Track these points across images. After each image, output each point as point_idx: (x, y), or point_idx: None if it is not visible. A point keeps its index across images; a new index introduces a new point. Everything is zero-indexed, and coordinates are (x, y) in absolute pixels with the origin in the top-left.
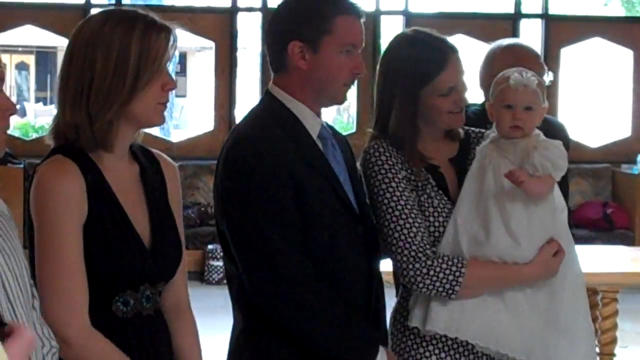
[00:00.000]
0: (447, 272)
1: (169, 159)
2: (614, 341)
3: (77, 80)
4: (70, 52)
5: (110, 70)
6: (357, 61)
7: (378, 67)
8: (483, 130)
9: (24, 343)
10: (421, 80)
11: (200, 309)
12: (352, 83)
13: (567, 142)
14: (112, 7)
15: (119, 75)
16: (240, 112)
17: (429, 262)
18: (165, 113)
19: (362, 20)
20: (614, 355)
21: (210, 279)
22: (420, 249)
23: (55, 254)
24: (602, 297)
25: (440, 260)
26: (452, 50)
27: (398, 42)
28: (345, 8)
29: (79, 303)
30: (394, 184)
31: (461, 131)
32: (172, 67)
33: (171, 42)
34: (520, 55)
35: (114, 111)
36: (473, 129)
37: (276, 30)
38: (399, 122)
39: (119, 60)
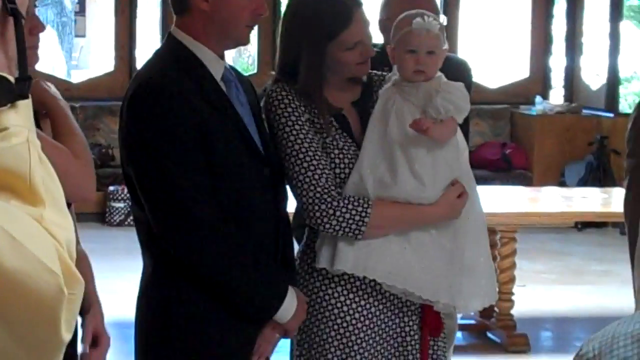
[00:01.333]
0: (353, 212)
1: None
2: (512, 280)
3: None
4: None
5: None
6: (259, 2)
7: (283, 15)
8: (385, 74)
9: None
10: (328, 36)
11: (101, 250)
12: (255, 24)
13: (470, 81)
14: None
15: None
16: (141, 53)
17: (334, 203)
18: (57, 53)
19: None
20: (512, 293)
21: (112, 220)
22: (326, 190)
23: None
24: (501, 237)
25: (346, 201)
26: (357, 4)
27: None
28: None
29: None
30: (297, 127)
31: (364, 76)
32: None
33: None
34: (412, 0)
35: None
36: (375, 72)
37: None
38: (306, 75)
39: None
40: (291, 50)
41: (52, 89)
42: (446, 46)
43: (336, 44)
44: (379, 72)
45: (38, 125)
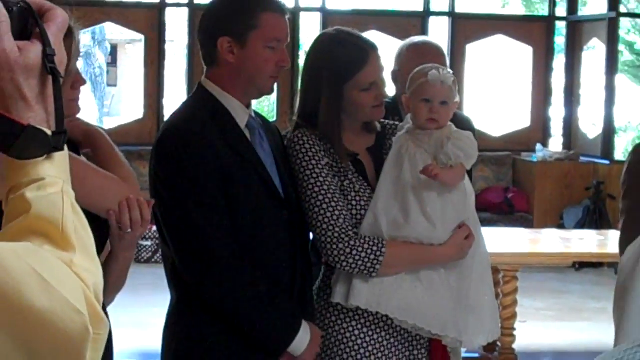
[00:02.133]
0: (369, 251)
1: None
2: (514, 316)
3: None
4: None
5: None
6: (283, 55)
7: (303, 63)
8: (397, 123)
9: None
10: (344, 76)
11: (130, 285)
12: (278, 75)
13: (474, 135)
14: None
15: None
16: (169, 102)
17: (351, 243)
18: (94, 101)
19: (287, 17)
20: (514, 329)
21: (140, 257)
22: (343, 230)
23: None
24: (504, 276)
25: (362, 241)
26: (372, 47)
27: (322, 41)
28: (270, 5)
29: None
30: (317, 170)
31: (378, 124)
32: (92, 59)
33: (75, 44)
34: (423, 52)
35: None
36: (388, 122)
37: (206, 27)
38: (326, 117)
39: None
40: (311, 93)
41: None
42: (457, 99)
43: (352, 84)
44: (392, 122)
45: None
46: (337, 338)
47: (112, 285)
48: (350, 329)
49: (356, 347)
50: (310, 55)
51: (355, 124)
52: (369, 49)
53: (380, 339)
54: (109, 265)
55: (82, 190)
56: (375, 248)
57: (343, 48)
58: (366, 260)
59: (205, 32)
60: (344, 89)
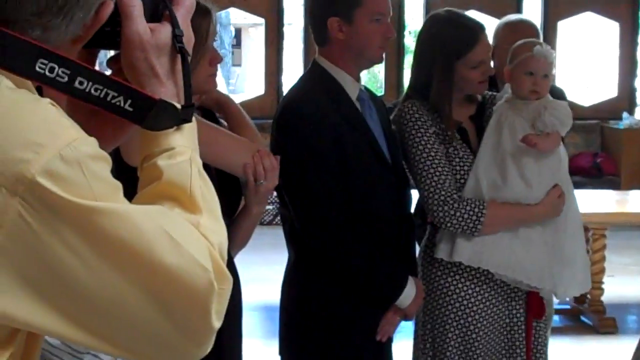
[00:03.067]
0: (471, 212)
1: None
2: (602, 271)
3: None
4: None
5: None
6: (388, 27)
7: (416, 41)
8: (495, 94)
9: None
10: (457, 55)
11: (252, 245)
12: (386, 45)
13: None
14: None
15: None
16: (287, 79)
17: (455, 205)
18: (220, 79)
19: None
20: (602, 283)
21: (262, 220)
22: (449, 194)
23: None
24: (593, 234)
25: (465, 203)
26: (481, 28)
27: (435, 21)
28: None
29: None
30: (425, 138)
31: (479, 95)
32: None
33: (213, 24)
34: (518, 29)
35: None
36: (487, 92)
37: (316, 10)
38: (438, 91)
39: None
40: (424, 68)
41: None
42: (554, 72)
43: (463, 62)
44: (490, 92)
45: (216, 121)
46: (442, 291)
47: (241, 240)
48: (455, 282)
49: (460, 299)
50: (423, 33)
51: (460, 96)
52: (479, 30)
53: (481, 292)
54: (242, 219)
55: (217, 150)
56: (476, 209)
57: (455, 28)
58: (469, 221)
59: (315, 15)
60: (455, 66)
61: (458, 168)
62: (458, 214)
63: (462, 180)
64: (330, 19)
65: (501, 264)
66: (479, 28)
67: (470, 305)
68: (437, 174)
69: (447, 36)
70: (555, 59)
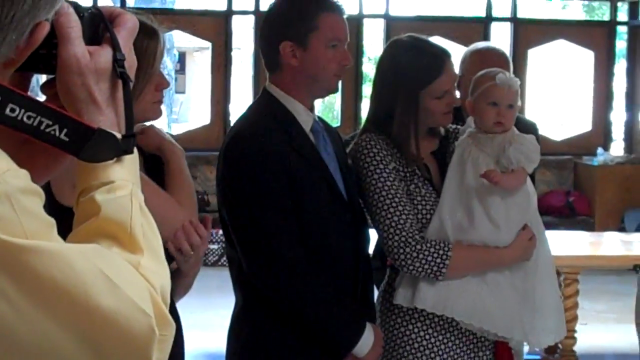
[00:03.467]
0: (435, 255)
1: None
2: (574, 319)
3: None
4: None
5: None
6: (344, 54)
7: (376, 68)
8: (460, 127)
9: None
10: (421, 84)
11: (196, 288)
12: (342, 73)
13: (538, 139)
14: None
15: None
16: (235, 108)
17: (418, 247)
18: (163, 107)
19: (345, 16)
20: (575, 331)
21: (207, 260)
22: (410, 234)
23: None
24: (565, 278)
25: (428, 245)
26: (447, 56)
27: (396, 47)
28: (327, 6)
29: None
30: (385, 175)
31: (442, 128)
32: (164, 66)
33: (160, 47)
34: (487, 58)
35: None
36: (452, 126)
37: (267, 34)
38: (401, 123)
39: None
40: (384, 99)
41: (167, 135)
42: (520, 103)
43: (427, 92)
44: (455, 126)
45: (157, 171)
46: (403, 340)
47: (179, 295)
48: (416, 330)
49: (422, 349)
50: (383, 61)
51: (422, 129)
52: (444, 57)
53: (445, 341)
54: (177, 280)
55: None
56: (441, 252)
57: (419, 55)
58: (432, 263)
59: (267, 38)
60: (419, 95)
61: (420, 207)
62: (421, 256)
63: (424, 221)
64: (283, 43)
65: (467, 311)
66: (444, 55)
67: (432, 355)
68: (398, 213)
69: (411, 64)
70: (519, 89)
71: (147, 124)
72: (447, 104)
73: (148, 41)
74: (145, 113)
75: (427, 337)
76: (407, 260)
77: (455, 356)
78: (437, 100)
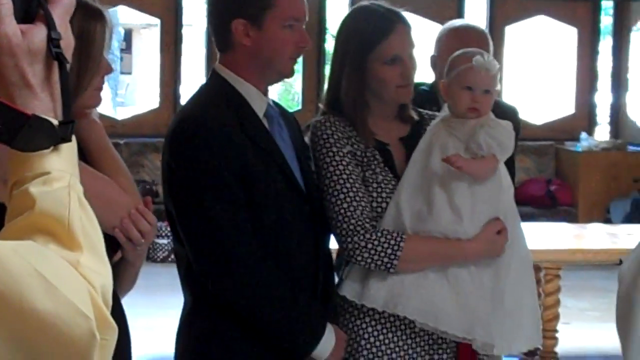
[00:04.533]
0: (386, 245)
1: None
2: (556, 317)
3: None
4: None
5: None
6: (302, 34)
7: (334, 44)
8: (437, 113)
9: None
10: (367, 46)
11: (145, 286)
12: (298, 56)
13: (518, 126)
14: None
15: None
16: (186, 90)
17: (367, 236)
18: (106, 89)
19: None
20: (556, 331)
21: (155, 256)
22: (360, 223)
23: None
24: (545, 274)
25: (379, 234)
26: (400, 19)
27: (350, 14)
28: None
29: None
30: (337, 158)
31: (415, 114)
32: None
33: (109, 28)
34: (465, 37)
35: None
36: (427, 111)
37: (218, 10)
38: (347, 92)
39: None
40: (336, 70)
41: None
42: (499, 87)
43: (375, 56)
44: (431, 112)
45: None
46: (354, 339)
47: (125, 288)
48: (369, 329)
49: (374, 350)
50: (338, 30)
51: (386, 110)
52: (395, 18)
53: (400, 342)
54: (124, 271)
55: None
56: (393, 242)
57: (368, 17)
58: (383, 254)
59: (217, 15)
60: (367, 61)
61: (375, 195)
62: (370, 245)
63: (380, 209)
64: (235, 20)
65: (421, 310)
66: (395, 16)
67: (386, 355)
68: (348, 199)
69: (357, 27)
70: (499, 71)
71: None
72: (402, 74)
73: (94, 23)
74: (84, 100)
75: (381, 337)
76: (355, 250)
77: (413, 356)
78: (387, 67)
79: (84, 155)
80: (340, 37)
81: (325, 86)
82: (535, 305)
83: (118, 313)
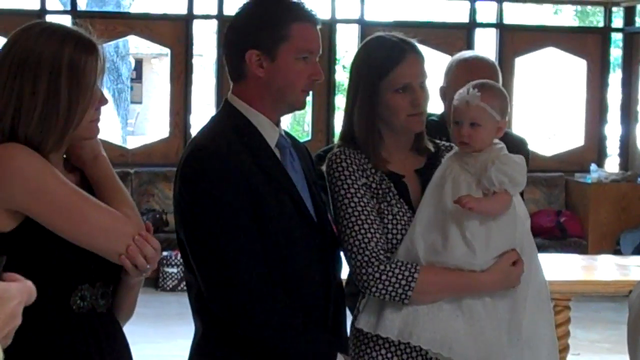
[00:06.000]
0: (400, 277)
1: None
2: (566, 349)
3: (1, 104)
4: None
5: (39, 102)
6: (315, 67)
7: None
8: (452, 145)
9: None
10: (378, 74)
11: (154, 315)
12: (311, 89)
13: (528, 158)
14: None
15: (51, 108)
16: (196, 119)
17: (381, 267)
18: (117, 119)
19: (319, 27)
20: None
21: (165, 285)
22: (374, 254)
23: None
24: (555, 305)
25: (393, 265)
26: (412, 49)
27: (364, 44)
28: (300, 15)
29: None
30: (352, 190)
31: (431, 146)
32: (115, 75)
33: (101, 62)
34: (474, 68)
35: (50, 144)
36: (443, 143)
37: (233, 40)
38: (359, 121)
39: (50, 92)
40: (350, 100)
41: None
42: (499, 118)
43: (386, 84)
44: (447, 143)
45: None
46: None
47: (126, 313)
48: (380, 358)
49: None
50: (352, 62)
51: (401, 142)
52: (406, 47)
53: None
54: (123, 296)
55: (86, 230)
56: (407, 273)
57: (381, 46)
58: (397, 285)
59: (232, 46)
60: (378, 89)
61: (390, 227)
62: (384, 277)
63: (395, 241)
64: (249, 51)
65: (436, 340)
66: (406, 45)
67: None
68: (363, 231)
69: (370, 56)
70: (504, 103)
71: None
72: (412, 102)
73: (86, 57)
74: (81, 132)
75: None
76: (369, 281)
77: None
78: (398, 95)
79: (92, 188)
80: (353, 66)
81: (341, 118)
82: (553, 336)
83: (120, 340)
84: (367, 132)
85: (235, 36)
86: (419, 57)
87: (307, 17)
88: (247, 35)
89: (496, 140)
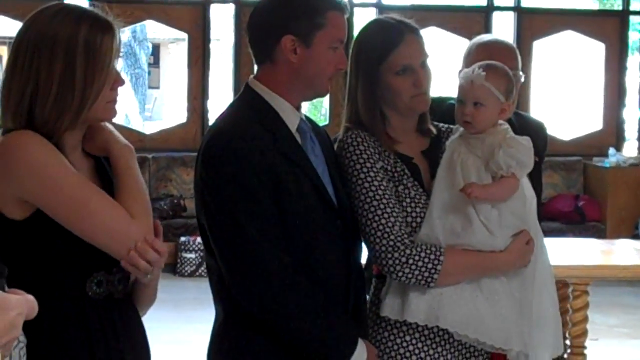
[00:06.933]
0: (426, 260)
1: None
2: (584, 334)
3: (19, 87)
4: (15, 55)
5: (55, 83)
6: (343, 57)
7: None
8: (452, 127)
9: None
10: (378, 57)
11: (173, 301)
12: (335, 77)
13: (546, 142)
14: (59, 3)
15: (66, 88)
16: (214, 104)
17: (407, 252)
18: (135, 104)
19: (347, 16)
20: (584, 348)
21: (183, 271)
22: (399, 239)
23: None
24: (573, 290)
25: (419, 249)
26: (410, 30)
27: (363, 28)
28: (337, 4)
29: None
30: (372, 174)
31: (433, 128)
32: (133, 60)
33: (116, 43)
34: (493, 52)
35: (65, 124)
36: (442, 125)
37: (266, 23)
38: (364, 104)
39: (66, 72)
40: (353, 84)
41: (115, 133)
42: (503, 100)
43: (387, 66)
44: (446, 125)
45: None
46: (391, 355)
47: (145, 305)
48: (405, 344)
49: None
50: (352, 46)
51: (406, 123)
52: (405, 30)
53: (437, 355)
54: (140, 290)
55: (89, 225)
56: (433, 256)
57: (379, 30)
58: (424, 269)
59: (264, 28)
60: (379, 73)
61: (409, 210)
62: (411, 261)
63: (414, 224)
64: (285, 36)
65: (462, 322)
66: (405, 27)
67: None
68: (386, 216)
69: (369, 40)
70: (510, 84)
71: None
72: (415, 83)
73: (102, 36)
74: (97, 114)
75: (417, 351)
76: (396, 266)
77: None
78: (399, 78)
79: (112, 175)
80: (354, 51)
81: (347, 100)
82: (557, 313)
83: (137, 327)
84: (373, 116)
85: (269, 19)
86: (417, 38)
87: (341, 7)
88: (284, 20)
89: (501, 122)
